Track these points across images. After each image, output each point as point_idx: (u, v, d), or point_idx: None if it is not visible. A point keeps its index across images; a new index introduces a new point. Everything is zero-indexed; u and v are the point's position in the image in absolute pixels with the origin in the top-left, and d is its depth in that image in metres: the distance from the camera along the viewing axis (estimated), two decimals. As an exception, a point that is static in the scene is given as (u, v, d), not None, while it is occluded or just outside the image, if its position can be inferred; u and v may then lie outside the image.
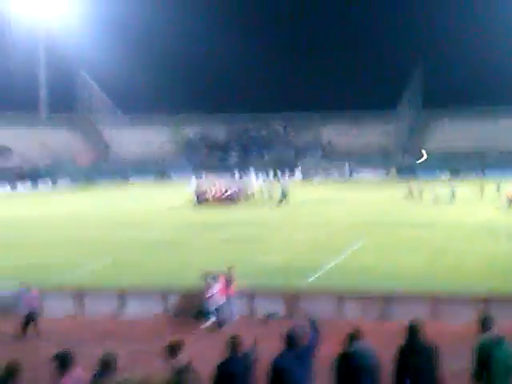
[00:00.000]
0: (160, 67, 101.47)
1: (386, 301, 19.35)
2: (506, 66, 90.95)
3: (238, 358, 9.28)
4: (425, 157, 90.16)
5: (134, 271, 26.31)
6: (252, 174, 74.93)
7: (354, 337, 9.57)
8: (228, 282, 19.58)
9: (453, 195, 51.11)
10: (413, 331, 9.49)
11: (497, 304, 18.19)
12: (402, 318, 17.37)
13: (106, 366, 8.79)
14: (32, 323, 18.58)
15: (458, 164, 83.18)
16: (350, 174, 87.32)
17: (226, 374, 9.13)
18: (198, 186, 58.71)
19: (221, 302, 19.20)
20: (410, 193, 54.51)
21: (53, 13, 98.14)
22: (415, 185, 55.97)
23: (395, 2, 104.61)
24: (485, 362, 9.31)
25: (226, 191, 56.32)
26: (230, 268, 20.00)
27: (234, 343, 9.36)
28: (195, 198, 55.50)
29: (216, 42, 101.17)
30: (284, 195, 54.22)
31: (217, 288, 19.22)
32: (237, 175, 79.60)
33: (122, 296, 20.86)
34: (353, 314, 18.96)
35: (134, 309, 20.54)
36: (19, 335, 18.30)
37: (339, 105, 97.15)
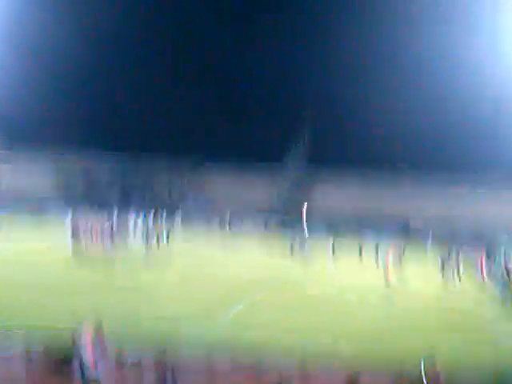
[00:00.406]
0: (43, 96, 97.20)
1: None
2: (398, 130, 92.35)
3: None
4: (304, 213, 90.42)
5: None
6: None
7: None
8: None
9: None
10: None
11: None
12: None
13: None
14: None
15: (338, 224, 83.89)
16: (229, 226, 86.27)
17: None
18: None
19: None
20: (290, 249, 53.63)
21: None
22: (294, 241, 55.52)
23: (287, 51, 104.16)
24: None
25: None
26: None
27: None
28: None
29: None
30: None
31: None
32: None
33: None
34: None
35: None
36: None
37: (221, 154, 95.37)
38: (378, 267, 46.28)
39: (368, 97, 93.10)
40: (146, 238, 52.89)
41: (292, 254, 51.49)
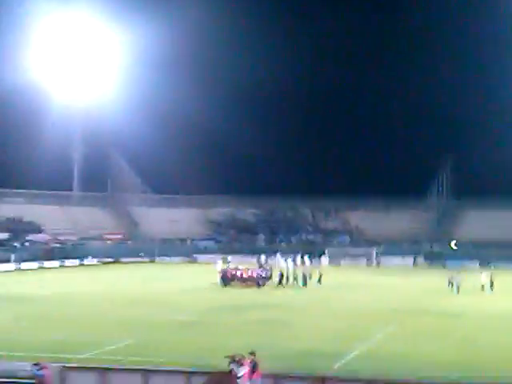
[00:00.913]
0: (190, 149, 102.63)
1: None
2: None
3: None
4: (455, 246, 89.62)
5: (158, 351, 26.07)
6: (279, 258, 74.53)
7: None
8: (252, 367, 19.24)
9: (491, 285, 50.70)
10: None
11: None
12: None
13: None
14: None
15: (487, 254, 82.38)
16: (378, 261, 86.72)
17: None
18: (224, 268, 58.60)
19: (246, 384, 18.85)
20: (450, 282, 52.70)
21: (89, 92, 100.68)
22: (448, 274, 54.83)
23: (430, 92, 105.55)
24: None
25: (253, 273, 56.10)
26: (252, 352, 19.69)
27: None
28: (221, 279, 55.40)
29: (246, 124, 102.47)
30: (305, 279, 55.29)
31: (243, 372, 18.89)
32: (263, 258, 79.29)
33: (146, 375, 20.61)
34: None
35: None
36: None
37: (368, 190, 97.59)
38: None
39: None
40: (303, 279, 54.41)
41: (449, 286, 50.99)
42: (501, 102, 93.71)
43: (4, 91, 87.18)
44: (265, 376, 19.57)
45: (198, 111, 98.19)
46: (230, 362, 19.25)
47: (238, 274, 56.25)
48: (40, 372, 19.01)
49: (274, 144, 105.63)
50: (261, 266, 61.05)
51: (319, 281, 56.32)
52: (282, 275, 55.80)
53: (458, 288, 50.32)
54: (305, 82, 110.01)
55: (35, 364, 19.44)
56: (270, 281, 55.64)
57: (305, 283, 55.31)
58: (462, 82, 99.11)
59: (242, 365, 18.95)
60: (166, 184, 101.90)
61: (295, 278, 57.00)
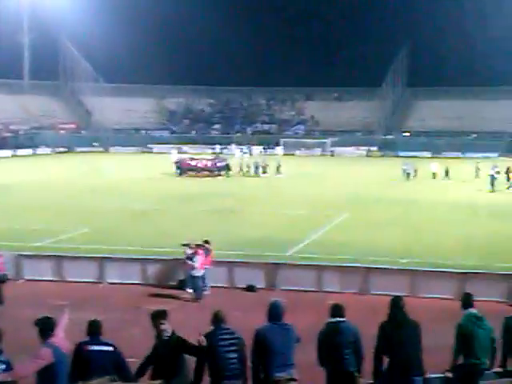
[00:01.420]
0: (145, 38, 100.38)
1: (365, 274, 19.43)
2: (490, 48, 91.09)
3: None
4: (408, 135, 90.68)
5: (113, 239, 26.23)
6: (234, 148, 74.72)
7: (336, 311, 9.50)
8: (206, 254, 19.53)
9: (446, 173, 51.91)
10: (396, 306, 9.38)
11: (474, 281, 18.35)
12: (381, 291, 17.65)
13: (93, 332, 8.75)
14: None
15: (439, 143, 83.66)
16: (332, 150, 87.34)
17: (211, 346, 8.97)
18: (180, 158, 58.51)
19: (200, 273, 19.17)
20: (404, 171, 53.16)
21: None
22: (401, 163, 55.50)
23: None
24: (466, 340, 9.34)
25: (208, 164, 56.23)
26: (206, 240, 19.94)
27: (218, 316, 9.16)
28: (176, 169, 55.43)
29: (204, 17, 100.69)
30: (257, 169, 56.40)
31: (199, 259, 19.17)
32: (218, 148, 79.41)
33: (101, 263, 20.78)
34: (332, 286, 19.06)
35: (113, 276, 20.47)
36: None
37: (323, 81, 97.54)
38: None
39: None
40: (255, 168, 54.60)
41: (404, 175, 51.58)
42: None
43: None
44: (218, 263, 19.92)
45: (155, 2, 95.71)
46: (184, 248, 19.58)
47: (194, 163, 56.33)
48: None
49: (231, 34, 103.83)
50: (216, 156, 61.09)
51: (278, 171, 56.49)
52: (240, 166, 56.18)
53: (409, 175, 51.36)
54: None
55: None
56: (224, 171, 55.91)
57: (257, 173, 55.64)
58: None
59: (196, 253, 19.23)
60: (119, 73, 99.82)
61: (249, 168, 57.40)
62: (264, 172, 56.43)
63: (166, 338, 8.90)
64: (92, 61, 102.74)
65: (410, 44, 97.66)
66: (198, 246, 19.44)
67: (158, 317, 8.99)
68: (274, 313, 9.23)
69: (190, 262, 19.10)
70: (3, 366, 8.10)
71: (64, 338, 8.60)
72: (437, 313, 16.21)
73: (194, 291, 19.00)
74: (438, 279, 19.09)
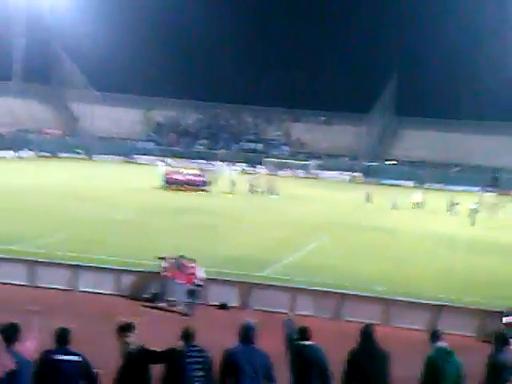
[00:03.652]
0: (138, 48, 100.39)
1: (339, 300, 19.38)
2: (476, 83, 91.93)
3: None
4: (392, 164, 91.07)
5: (90, 248, 26.02)
6: (220, 165, 74.75)
7: (304, 333, 9.47)
8: (182, 269, 19.44)
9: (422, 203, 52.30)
10: (367, 335, 9.34)
11: (448, 314, 18.36)
12: (354, 318, 17.61)
13: (61, 341, 8.60)
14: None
15: (422, 173, 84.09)
16: (316, 173, 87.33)
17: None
18: (167, 170, 58.58)
19: (179, 287, 19.13)
20: (368, 197, 54.32)
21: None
22: (377, 190, 56.00)
23: (375, 12, 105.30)
24: (433, 374, 9.28)
25: (194, 178, 56.41)
26: (181, 256, 19.87)
27: (187, 332, 9.07)
28: (164, 181, 55.42)
29: (197, 32, 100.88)
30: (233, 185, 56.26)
31: (201, 271, 19.27)
32: (204, 164, 79.24)
33: (75, 271, 20.59)
34: (305, 309, 18.97)
35: (87, 285, 20.29)
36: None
37: (312, 104, 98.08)
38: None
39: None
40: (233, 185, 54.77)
41: (368, 201, 52.01)
42: (448, 24, 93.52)
43: None
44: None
45: (149, 13, 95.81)
46: (162, 261, 19.58)
47: (180, 177, 56.35)
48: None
49: (224, 51, 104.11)
50: (202, 171, 61.22)
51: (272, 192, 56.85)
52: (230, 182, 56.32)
53: (393, 205, 51.56)
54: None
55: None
56: (208, 186, 55.91)
57: (233, 190, 55.76)
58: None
59: (193, 267, 19.20)
60: (110, 81, 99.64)
61: (252, 187, 57.64)
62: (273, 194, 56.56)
63: (130, 350, 8.76)
64: (82, 68, 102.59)
65: (400, 73, 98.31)
66: (190, 260, 19.40)
67: (125, 329, 8.86)
68: (246, 334, 9.14)
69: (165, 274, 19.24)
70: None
71: (31, 346, 8.41)
72: (408, 343, 16.18)
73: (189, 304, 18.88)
74: (412, 309, 19.06)
